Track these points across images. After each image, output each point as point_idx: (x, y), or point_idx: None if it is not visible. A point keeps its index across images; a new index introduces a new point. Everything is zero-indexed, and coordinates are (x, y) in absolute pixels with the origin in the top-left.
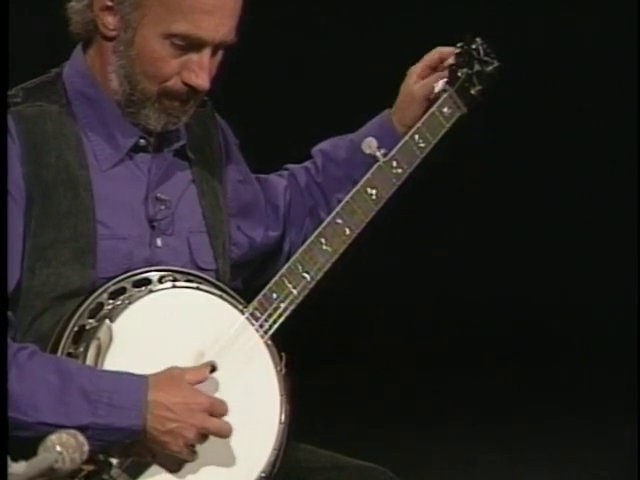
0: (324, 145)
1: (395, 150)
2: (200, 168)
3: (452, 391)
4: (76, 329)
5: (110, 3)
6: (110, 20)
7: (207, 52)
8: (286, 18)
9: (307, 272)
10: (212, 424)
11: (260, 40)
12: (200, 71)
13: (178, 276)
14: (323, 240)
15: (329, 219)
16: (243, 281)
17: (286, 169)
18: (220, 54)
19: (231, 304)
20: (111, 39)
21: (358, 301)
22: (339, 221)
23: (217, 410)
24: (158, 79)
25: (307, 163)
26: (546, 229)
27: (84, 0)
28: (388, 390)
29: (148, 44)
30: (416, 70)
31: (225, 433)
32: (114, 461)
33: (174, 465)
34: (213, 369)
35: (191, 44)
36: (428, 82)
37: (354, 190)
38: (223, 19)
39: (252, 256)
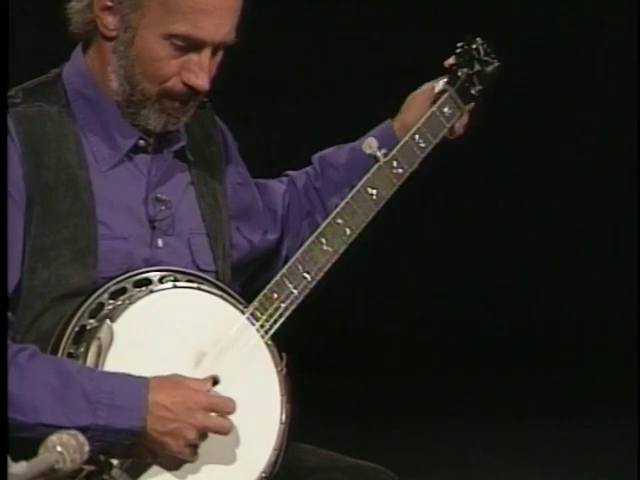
0: (325, 152)
1: (395, 150)
2: (200, 170)
3: (452, 391)
4: (77, 329)
5: (110, 3)
6: (110, 20)
7: (207, 52)
8: (287, 18)
9: (308, 272)
10: (212, 423)
11: (261, 40)
12: (200, 71)
13: (179, 276)
14: (324, 240)
15: (329, 219)
16: (240, 285)
17: (286, 175)
18: (220, 54)
19: (232, 304)
20: (111, 39)
21: (358, 301)
22: (339, 221)
23: (220, 408)
24: (158, 80)
25: (307, 169)
26: (546, 229)
27: (84, 0)
28: (388, 390)
29: (148, 44)
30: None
31: (225, 431)
32: (115, 461)
33: (174, 465)
34: (215, 382)
35: (191, 44)
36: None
37: (354, 190)
38: (223, 19)
39: (250, 259)
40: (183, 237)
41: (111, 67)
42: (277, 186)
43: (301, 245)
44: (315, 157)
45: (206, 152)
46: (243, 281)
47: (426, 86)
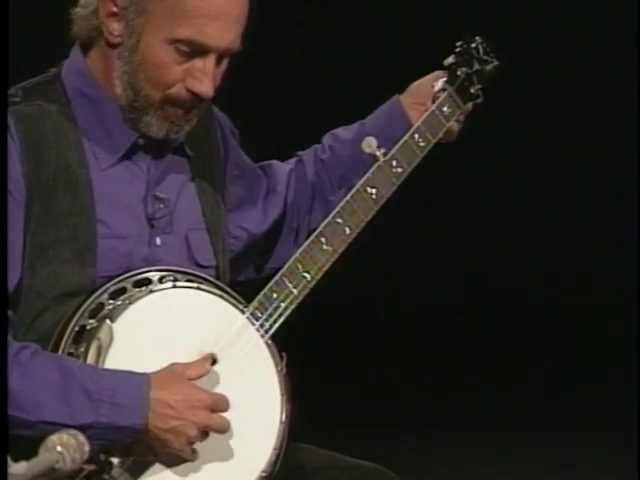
0: (335, 130)
1: (395, 149)
2: (199, 165)
3: (452, 391)
4: (77, 329)
5: (115, 9)
6: (115, 27)
7: (212, 59)
8: (289, 21)
9: (307, 272)
10: (214, 421)
11: (263, 40)
12: (204, 78)
13: (179, 276)
14: (323, 239)
15: (329, 218)
16: (256, 268)
17: (297, 156)
18: (225, 63)
19: (232, 304)
20: (115, 46)
21: (358, 301)
22: (339, 220)
23: (219, 406)
24: (162, 86)
25: (316, 145)
26: (546, 229)
27: (90, 7)
28: (388, 390)
29: (152, 50)
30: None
31: (226, 430)
32: (115, 460)
33: (175, 464)
34: (214, 361)
35: (195, 50)
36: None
37: (354, 190)
38: (228, 25)
39: (255, 243)
40: (181, 234)
41: (115, 73)
42: (282, 166)
43: (310, 225)
44: (325, 135)
45: (204, 147)
46: (258, 263)
47: (431, 75)
